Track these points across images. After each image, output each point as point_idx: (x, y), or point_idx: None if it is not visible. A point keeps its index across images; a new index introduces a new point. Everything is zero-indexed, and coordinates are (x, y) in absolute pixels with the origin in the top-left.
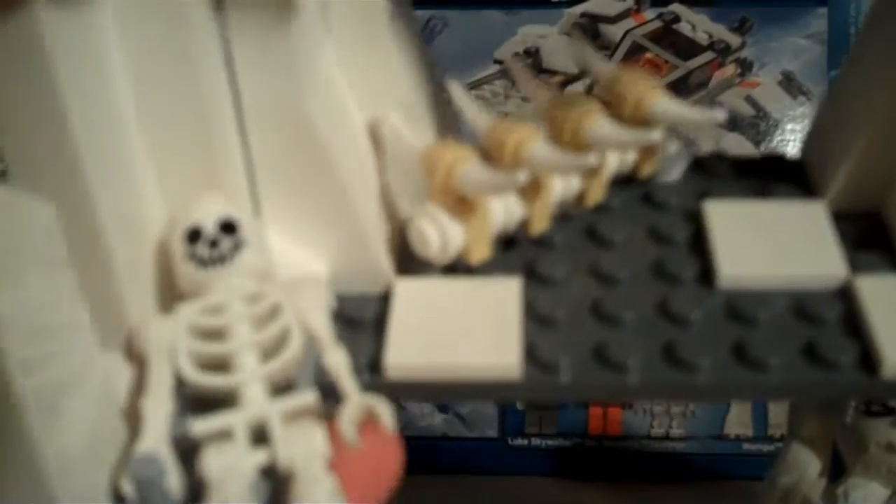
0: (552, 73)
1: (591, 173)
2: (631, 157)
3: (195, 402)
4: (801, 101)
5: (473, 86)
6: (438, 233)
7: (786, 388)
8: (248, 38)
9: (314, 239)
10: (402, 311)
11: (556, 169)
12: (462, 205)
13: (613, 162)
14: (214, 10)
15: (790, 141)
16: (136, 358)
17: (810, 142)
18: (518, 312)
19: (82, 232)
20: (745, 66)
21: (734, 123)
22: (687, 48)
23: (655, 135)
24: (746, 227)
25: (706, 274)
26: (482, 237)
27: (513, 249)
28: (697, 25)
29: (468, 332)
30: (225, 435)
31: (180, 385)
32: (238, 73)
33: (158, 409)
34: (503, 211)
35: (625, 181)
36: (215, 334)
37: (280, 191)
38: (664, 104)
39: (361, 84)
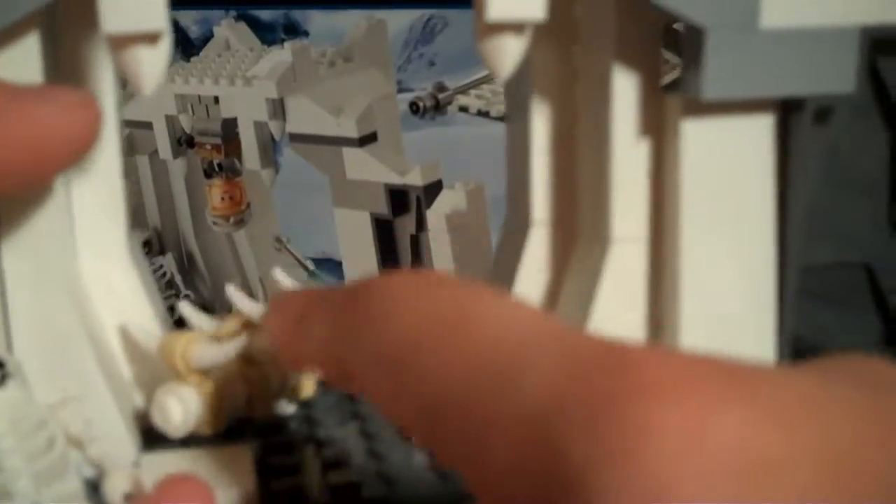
0: None
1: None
2: None
3: None
4: None
5: (473, 86)
6: (181, 406)
7: None
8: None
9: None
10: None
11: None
12: (198, 384)
13: None
14: None
15: None
16: None
17: None
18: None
19: None
20: None
21: None
22: None
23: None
24: None
25: None
26: (217, 411)
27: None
28: None
29: None
30: None
31: None
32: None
33: None
34: (231, 392)
35: None
36: None
37: (38, 361)
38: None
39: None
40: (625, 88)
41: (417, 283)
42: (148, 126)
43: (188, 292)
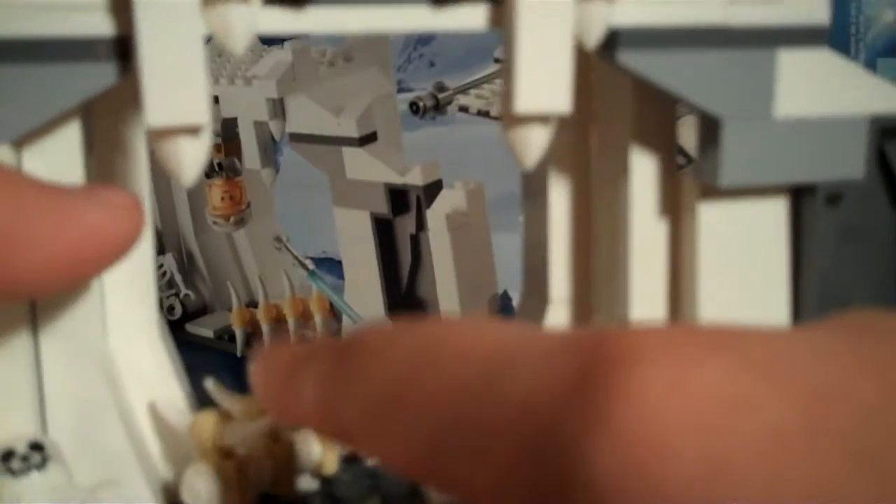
0: None
1: (326, 446)
2: None
3: None
4: None
5: (473, 85)
6: (210, 485)
7: None
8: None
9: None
10: None
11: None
12: (227, 463)
13: None
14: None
15: None
16: None
17: None
18: None
19: None
20: None
21: None
22: None
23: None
24: None
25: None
26: (244, 489)
27: None
28: None
29: None
30: None
31: None
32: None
33: None
34: (258, 470)
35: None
36: None
37: (73, 442)
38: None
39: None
40: (642, 170)
41: (399, 326)
42: None
43: (188, 291)
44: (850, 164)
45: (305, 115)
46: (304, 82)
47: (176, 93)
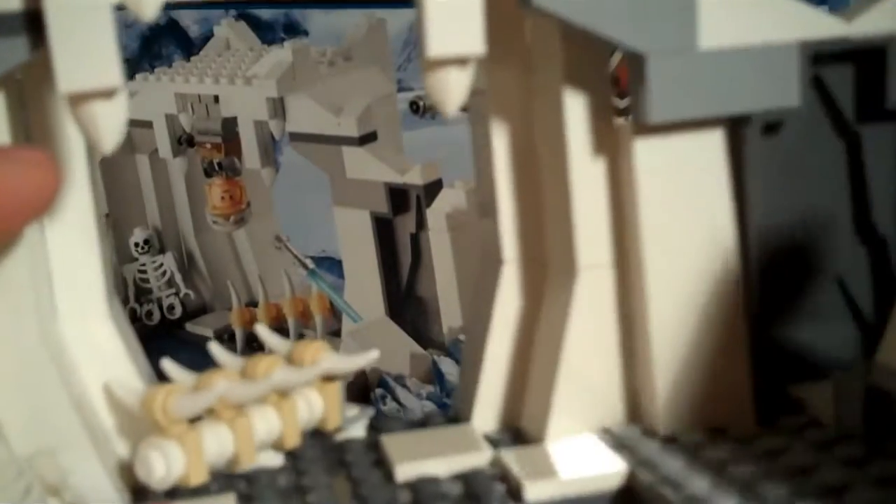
0: None
1: (287, 419)
2: (318, 411)
3: None
4: None
5: None
6: (163, 459)
7: None
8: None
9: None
10: None
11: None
12: (180, 437)
13: (304, 411)
14: None
15: None
16: None
17: (459, 388)
18: None
19: None
20: None
21: None
22: None
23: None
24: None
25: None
26: (200, 464)
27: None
28: None
29: None
30: None
31: None
32: None
33: None
34: (216, 444)
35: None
36: None
37: (16, 415)
38: (330, 360)
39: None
40: (576, 112)
41: None
42: (148, 125)
43: (188, 291)
44: (785, 92)
45: (305, 115)
46: (304, 82)
47: (86, 58)
